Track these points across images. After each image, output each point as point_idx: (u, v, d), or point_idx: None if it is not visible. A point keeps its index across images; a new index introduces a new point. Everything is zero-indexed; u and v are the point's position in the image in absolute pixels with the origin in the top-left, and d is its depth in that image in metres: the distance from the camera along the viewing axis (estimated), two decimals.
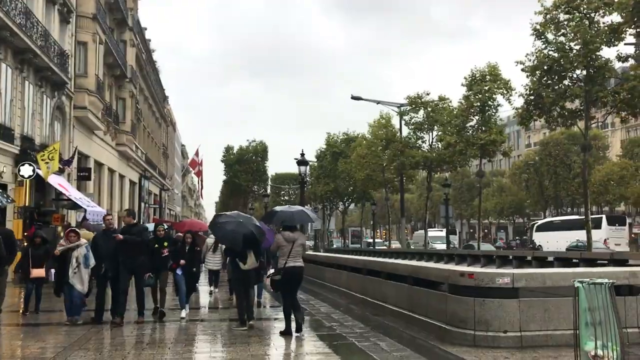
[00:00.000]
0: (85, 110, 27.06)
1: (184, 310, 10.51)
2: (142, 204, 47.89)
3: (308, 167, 24.65)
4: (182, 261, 10.36)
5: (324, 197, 62.32)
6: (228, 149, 67.26)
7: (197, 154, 74.53)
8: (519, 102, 30.44)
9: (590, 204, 34.97)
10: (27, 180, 19.83)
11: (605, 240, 37.47)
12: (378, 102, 41.15)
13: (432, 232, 54.08)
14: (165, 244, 10.52)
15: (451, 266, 13.37)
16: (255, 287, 11.63)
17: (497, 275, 7.61)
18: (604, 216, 42.46)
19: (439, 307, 8.44)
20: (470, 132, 34.02)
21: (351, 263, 13.39)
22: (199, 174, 76.50)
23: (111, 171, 36.62)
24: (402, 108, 39.95)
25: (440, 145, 38.28)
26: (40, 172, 19.64)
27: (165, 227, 11.79)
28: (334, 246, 65.97)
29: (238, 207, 73.74)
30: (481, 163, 35.32)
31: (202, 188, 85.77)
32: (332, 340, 8.34)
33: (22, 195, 19.60)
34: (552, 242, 40.87)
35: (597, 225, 37.93)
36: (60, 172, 23.47)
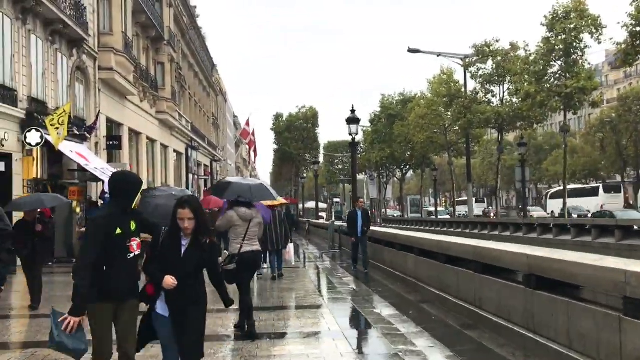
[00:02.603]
0: (111, 72, 24.23)
1: None
2: (190, 175, 45.70)
3: (361, 128, 20.94)
4: None
5: (379, 164, 58.45)
6: (277, 117, 64.30)
7: (247, 123, 72.21)
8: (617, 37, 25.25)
9: None
10: (37, 148, 17.18)
11: (601, 206, 41.85)
12: (439, 55, 36.70)
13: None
14: None
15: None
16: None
17: None
18: (600, 185, 48.70)
19: (601, 337, 4.64)
20: (552, 80, 29.20)
21: (422, 244, 9.70)
22: (251, 144, 74.44)
23: (151, 140, 34.13)
24: (467, 59, 35.39)
25: (513, 99, 33.62)
26: (49, 138, 16.91)
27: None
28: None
29: (290, 177, 71.26)
30: (566, 116, 30.49)
31: (255, 157, 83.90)
32: None
33: (31, 166, 16.95)
34: (560, 207, 44.35)
35: (595, 193, 45.18)
36: (82, 139, 20.86)
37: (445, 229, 37.71)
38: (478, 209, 56.49)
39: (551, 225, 25.56)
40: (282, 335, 6.71)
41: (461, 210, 55.69)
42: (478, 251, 6.96)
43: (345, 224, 24.24)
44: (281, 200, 14.65)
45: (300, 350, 5.92)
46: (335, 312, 8.09)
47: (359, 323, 7.63)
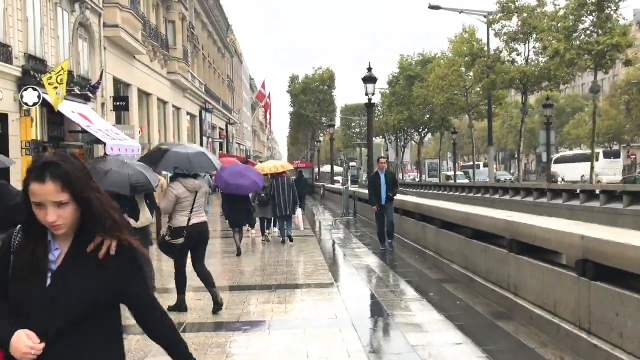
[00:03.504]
0: (117, 29, 23.09)
1: None
2: (204, 138, 44.88)
3: (379, 90, 19.68)
4: None
5: (397, 127, 56.92)
6: (293, 79, 62.74)
7: (263, 86, 71.05)
8: None
9: None
10: (35, 108, 16.26)
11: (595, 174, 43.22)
12: (461, 12, 34.84)
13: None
14: None
15: None
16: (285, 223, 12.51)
17: None
18: (601, 151, 48.63)
19: None
20: (583, 36, 27.30)
21: (446, 216, 8.56)
22: (267, 107, 73.28)
23: (163, 102, 33.17)
24: (491, 16, 33.45)
25: (539, 59, 31.78)
26: (48, 98, 15.96)
27: None
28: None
29: (306, 140, 70.04)
30: (596, 75, 28.60)
31: (270, 120, 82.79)
32: None
33: (29, 127, 16.06)
34: (568, 173, 46.09)
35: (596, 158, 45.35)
36: (85, 99, 19.91)
37: (464, 194, 36.53)
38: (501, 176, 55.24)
39: (578, 192, 24.22)
40: (280, 324, 5.75)
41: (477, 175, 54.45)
42: (514, 227, 5.87)
43: (361, 189, 23.30)
44: (285, 165, 13.77)
45: (298, 345, 4.97)
46: (345, 294, 7.14)
47: (372, 309, 6.65)
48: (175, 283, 6.47)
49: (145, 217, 7.09)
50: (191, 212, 6.20)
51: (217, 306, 6.24)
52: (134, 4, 24.94)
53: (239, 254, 10.56)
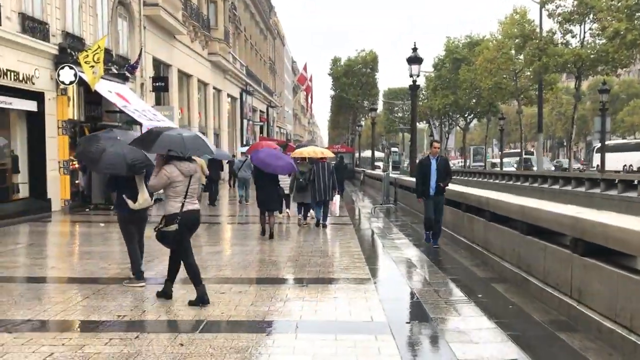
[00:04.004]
0: (157, 8, 22.77)
1: None
2: (245, 121, 44.64)
3: (423, 74, 18.79)
4: None
5: (442, 112, 55.36)
6: (335, 61, 61.64)
7: (305, 68, 70.45)
8: None
9: None
10: (72, 87, 16.07)
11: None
12: None
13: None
14: None
15: None
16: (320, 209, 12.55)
17: None
18: None
19: None
20: None
21: (498, 208, 7.66)
22: (308, 90, 72.66)
23: (203, 84, 32.96)
24: None
25: (595, 41, 29.98)
26: (84, 77, 15.71)
27: None
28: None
29: (347, 124, 69.09)
30: None
31: (311, 103, 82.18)
32: None
33: (65, 106, 15.88)
34: (610, 162, 43.86)
35: (638, 148, 43.62)
36: (123, 79, 19.68)
37: (511, 182, 35.18)
38: (548, 164, 53.17)
39: (635, 182, 22.77)
40: (309, 326, 5.13)
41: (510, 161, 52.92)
42: (582, 225, 5.06)
43: (403, 176, 22.29)
44: (324, 152, 13.56)
45: (327, 354, 4.33)
46: (382, 292, 6.46)
47: (413, 311, 5.94)
48: (187, 275, 6.03)
49: (144, 197, 6.69)
50: (185, 198, 5.88)
51: (200, 294, 5.90)
52: None
53: (264, 234, 10.78)
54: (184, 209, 5.84)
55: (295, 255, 8.99)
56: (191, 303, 5.86)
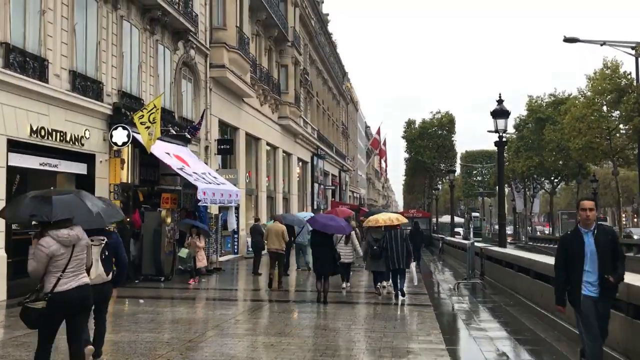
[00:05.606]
0: (223, 70, 22.11)
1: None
2: (315, 185, 43.49)
3: (508, 129, 16.80)
4: None
5: (525, 175, 51.89)
6: (409, 124, 60.24)
7: (378, 132, 69.38)
8: None
9: None
10: (127, 148, 15.10)
11: None
12: (603, 43, 30.42)
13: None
14: None
15: None
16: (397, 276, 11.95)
17: None
18: None
19: None
20: None
21: None
22: (382, 153, 71.25)
23: (272, 147, 32.11)
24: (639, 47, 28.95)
25: None
26: (139, 137, 14.73)
27: None
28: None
29: (423, 188, 66.53)
30: None
31: (386, 167, 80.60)
32: None
33: (118, 168, 14.86)
34: None
35: None
36: (184, 141, 18.75)
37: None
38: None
39: None
40: None
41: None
42: None
43: (491, 245, 19.25)
44: (399, 218, 12.66)
45: None
46: None
47: None
48: None
49: (97, 272, 5.80)
50: (63, 271, 5.01)
51: None
52: (243, 45, 24.02)
53: (319, 299, 10.88)
54: (58, 288, 4.95)
55: (355, 353, 6.85)
56: None
